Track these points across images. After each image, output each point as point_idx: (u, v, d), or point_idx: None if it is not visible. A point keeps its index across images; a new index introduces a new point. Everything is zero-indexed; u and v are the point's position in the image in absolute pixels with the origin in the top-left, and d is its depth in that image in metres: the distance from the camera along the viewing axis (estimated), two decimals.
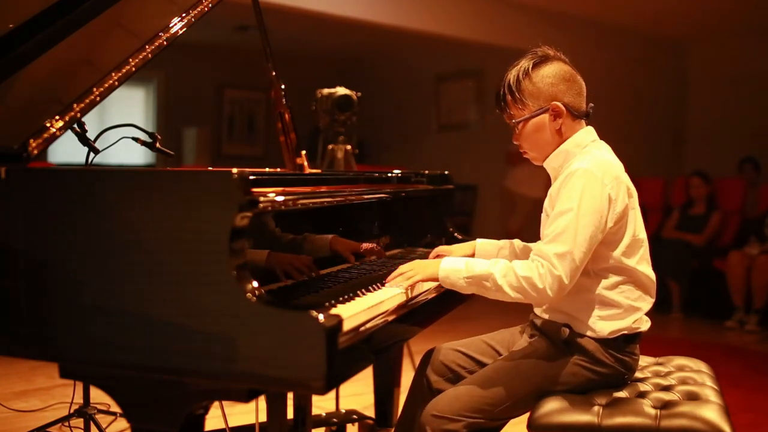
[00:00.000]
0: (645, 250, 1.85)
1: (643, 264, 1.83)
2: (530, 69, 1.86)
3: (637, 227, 1.83)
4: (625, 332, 1.81)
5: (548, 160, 1.89)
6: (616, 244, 1.79)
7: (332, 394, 2.95)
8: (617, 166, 1.82)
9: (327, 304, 1.56)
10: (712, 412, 1.71)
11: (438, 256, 2.18)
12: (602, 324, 1.80)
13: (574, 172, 1.75)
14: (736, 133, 7.57)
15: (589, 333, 1.81)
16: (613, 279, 1.81)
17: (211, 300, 1.36)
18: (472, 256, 2.16)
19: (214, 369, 1.37)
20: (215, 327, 1.36)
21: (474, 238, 2.29)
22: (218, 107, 9.08)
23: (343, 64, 9.46)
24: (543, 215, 1.87)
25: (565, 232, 1.70)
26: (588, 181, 1.73)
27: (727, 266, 5.87)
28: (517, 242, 2.16)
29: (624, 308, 1.81)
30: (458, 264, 1.79)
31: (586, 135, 1.87)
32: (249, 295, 1.34)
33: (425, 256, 2.25)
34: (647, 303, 1.85)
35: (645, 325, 1.85)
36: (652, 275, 1.86)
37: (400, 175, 2.40)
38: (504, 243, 2.18)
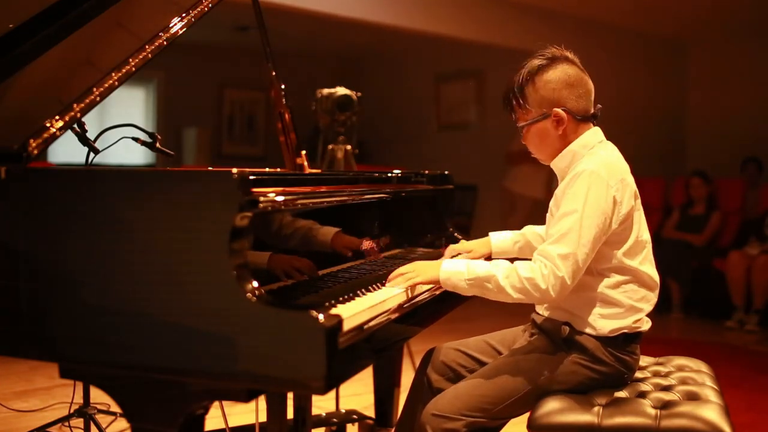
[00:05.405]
0: (648, 251, 1.85)
1: (646, 264, 1.84)
2: (534, 74, 1.86)
3: (641, 229, 1.84)
4: (626, 331, 1.81)
5: (555, 161, 1.90)
6: (620, 244, 1.80)
7: (332, 394, 2.95)
8: (623, 168, 1.82)
9: (327, 304, 1.56)
10: (712, 412, 1.71)
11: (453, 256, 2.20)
12: (603, 322, 1.80)
13: (580, 173, 1.76)
14: (736, 133, 7.56)
15: (589, 331, 1.81)
16: (616, 278, 1.81)
17: (211, 300, 1.36)
18: (490, 253, 2.20)
19: (214, 369, 1.37)
20: (215, 327, 1.36)
21: (474, 238, 2.28)
22: (218, 107, 9.08)
23: (343, 64, 9.46)
24: (548, 215, 1.87)
25: (569, 233, 1.71)
26: (593, 183, 1.73)
27: (727, 266, 5.87)
28: (528, 230, 2.19)
29: (626, 308, 1.81)
30: (459, 266, 1.79)
31: (593, 136, 1.87)
32: (249, 295, 1.34)
33: (425, 256, 2.25)
34: (649, 304, 1.85)
35: (646, 325, 1.85)
36: (656, 276, 1.86)
37: (400, 175, 2.40)
38: (518, 236, 2.21)
